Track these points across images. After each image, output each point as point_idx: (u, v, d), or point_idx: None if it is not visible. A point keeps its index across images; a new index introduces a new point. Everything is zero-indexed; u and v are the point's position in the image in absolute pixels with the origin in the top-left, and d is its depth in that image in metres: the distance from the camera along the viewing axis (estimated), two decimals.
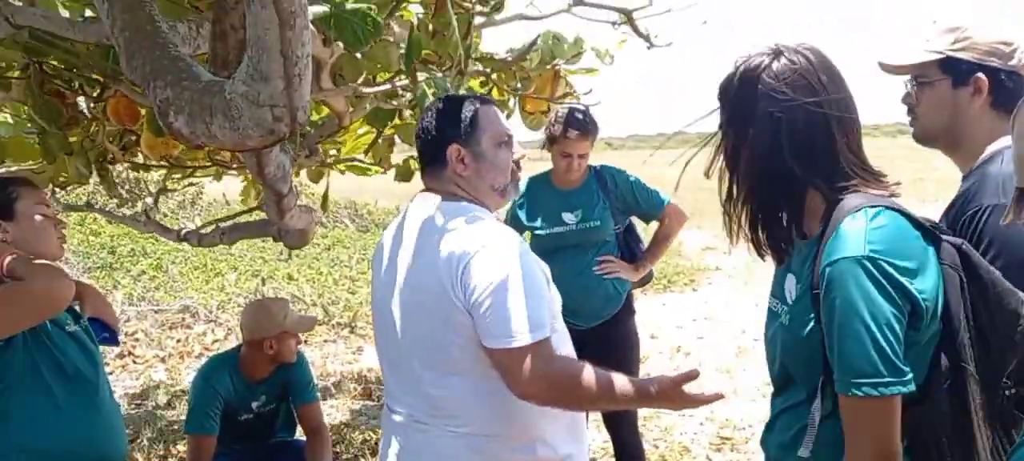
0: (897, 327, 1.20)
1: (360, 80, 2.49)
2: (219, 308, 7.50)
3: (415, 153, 2.06)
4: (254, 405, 3.20)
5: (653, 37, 2.87)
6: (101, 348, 2.19)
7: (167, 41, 1.24)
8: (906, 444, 1.25)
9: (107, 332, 2.32)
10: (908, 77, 1.76)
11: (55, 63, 2.65)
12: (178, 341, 6.63)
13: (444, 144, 1.73)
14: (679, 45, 3.67)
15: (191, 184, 4.17)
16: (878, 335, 1.20)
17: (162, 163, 3.44)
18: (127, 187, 8.68)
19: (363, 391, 5.34)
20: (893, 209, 1.29)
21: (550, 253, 2.72)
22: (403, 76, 2.78)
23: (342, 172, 4.09)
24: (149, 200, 4.50)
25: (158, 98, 1.11)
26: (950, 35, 1.68)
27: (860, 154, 1.36)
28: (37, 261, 1.95)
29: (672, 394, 1.57)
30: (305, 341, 6.63)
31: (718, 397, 1.58)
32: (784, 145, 1.31)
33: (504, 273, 1.56)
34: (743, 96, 1.36)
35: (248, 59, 1.04)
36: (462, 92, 2.33)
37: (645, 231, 3.42)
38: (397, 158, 3.62)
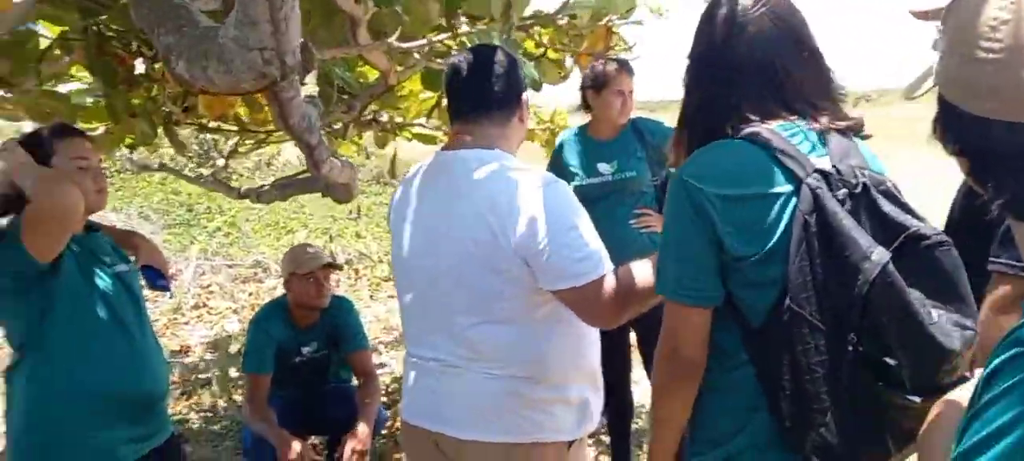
0: (692, 246, 1.30)
1: (396, 35, 2.54)
2: None
3: None
4: (305, 350, 3.36)
5: None
6: (171, 297, 2.31)
7: None
8: (757, 374, 1.30)
9: (161, 279, 2.46)
10: (939, 22, 1.70)
11: (114, 27, 2.80)
12: (250, 295, 6.93)
13: (516, 94, 1.77)
14: None
15: (264, 145, 4.34)
16: (674, 245, 1.33)
17: (230, 126, 3.59)
18: (204, 149, 9.07)
19: None
20: (758, 144, 1.28)
21: (586, 204, 2.74)
22: (443, 31, 2.84)
23: (408, 139, 4.19)
24: (220, 162, 4.69)
25: (162, 44, 1.20)
26: None
27: (803, 90, 1.35)
28: (43, 172, 1.98)
29: None
30: (370, 296, 6.85)
31: None
32: (734, 78, 1.34)
33: (561, 216, 1.62)
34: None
35: (238, 5, 1.11)
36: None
37: None
38: None
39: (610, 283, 1.62)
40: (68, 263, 2.02)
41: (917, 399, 1.21)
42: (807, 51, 1.38)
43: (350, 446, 3.04)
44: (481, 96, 1.76)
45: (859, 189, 1.24)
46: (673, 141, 1.48)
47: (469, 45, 2.23)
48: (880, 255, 1.17)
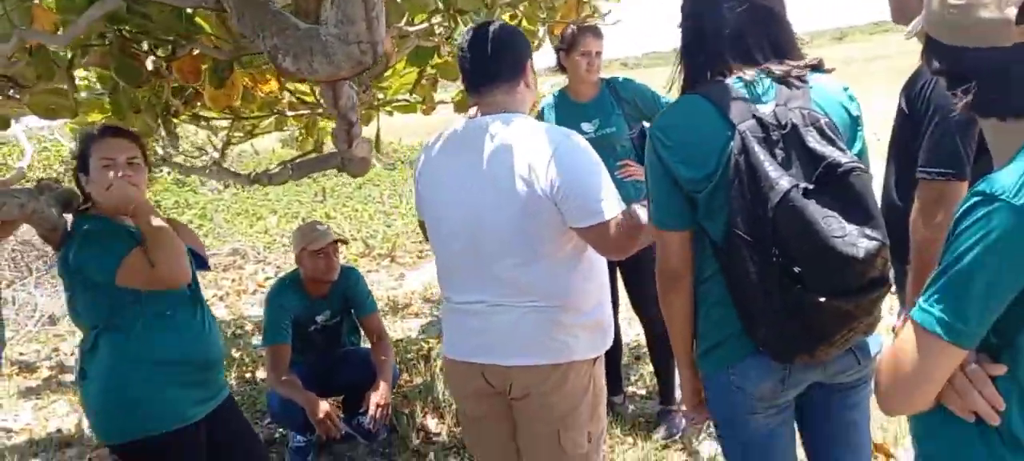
0: (661, 184, 1.68)
1: (403, 22, 2.80)
2: (265, 248, 7.98)
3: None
4: (319, 319, 3.63)
5: None
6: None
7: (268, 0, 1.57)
8: (725, 283, 1.66)
9: (199, 258, 2.70)
10: None
11: (129, 29, 2.98)
12: (233, 281, 7.11)
13: (523, 61, 2.04)
14: None
15: (252, 135, 4.51)
16: (652, 185, 1.72)
17: (224, 115, 3.78)
18: (195, 143, 9.09)
19: (411, 312, 5.78)
20: (703, 96, 1.64)
21: None
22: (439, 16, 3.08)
23: (390, 113, 4.42)
24: (214, 154, 4.82)
25: (267, 45, 1.46)
26: None
27: (764, 48, 1.67)
28: (161, 232, 2.24)
29: None
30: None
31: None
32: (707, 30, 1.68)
33: (584, 164, 1.92)
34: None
35: (336, 7, 1.38)
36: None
37: None
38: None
39: (623, 221, 1.93)
40: None
41: (823, 298, 1.50)
42: (774, 18, 1.70)
43: (374, 401, 3.34)
44: (487, 70, 2.03)
45: (788, 129, 1.55)
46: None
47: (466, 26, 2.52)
48: (783, 185, 1.49)
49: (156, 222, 2.27)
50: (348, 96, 2.08)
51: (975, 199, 1.09)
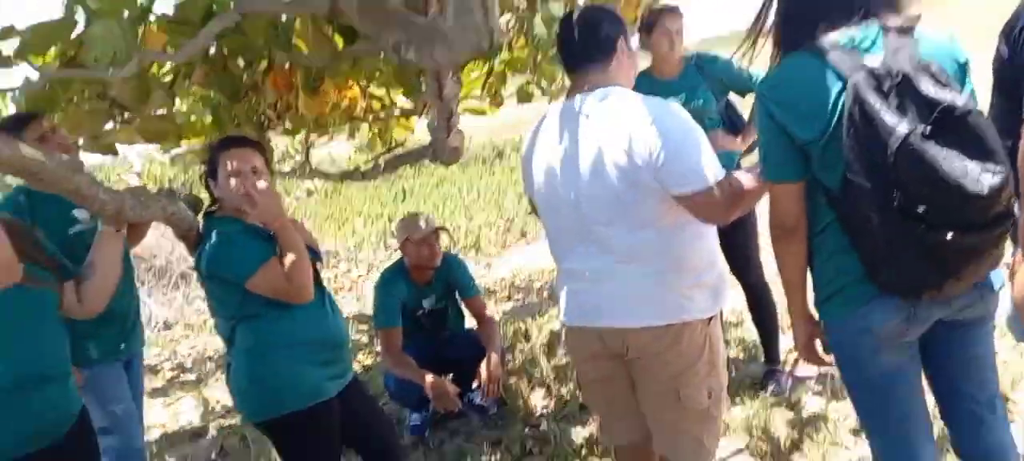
0: (774, 140, 1.78)
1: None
2: (355, 248, 8.28)
3: (527, 79, 2.43)
4: (425, 303, 3.82)
5: None
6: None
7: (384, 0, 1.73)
8: (842, 229, 1.74)
9: (313, 252, 2.89)
10: None
11: (229, 45, 3.17)
12: (328, 280, 7.41)
13: (614, 39, 2.12)
14: None
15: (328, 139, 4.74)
16: (764, 143, 1.81)
17: (312, 126, 3.98)
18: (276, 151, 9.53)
19: (503, 297, 5.95)
20: (810, 52, 1.71)
21: None
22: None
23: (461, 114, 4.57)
24: (300, 158, 5.06)
25: (391, 41, 1.61)
26: None
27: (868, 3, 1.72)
28: (300, 250, 2.39)
29: None
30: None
31: None
32: None
33: (681, 130, 1.98)
34: None
35: (453, 2, 1.52)
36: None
37: (742, 105, 3.78)
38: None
39: (725, 185, 1.98)
40: None
41: (950, 235, 1.55)
42: None
43: (486, 371, 3.50)
44: (578, 52, 2.13)
45: (900, 79, 1.60)
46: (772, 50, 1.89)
47: (542, 21, 2.61)
48: (902, 129, 1.54)
49: (296, 239, 2.41)
50: (451, 86, 2.22)
51: None
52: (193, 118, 3.93)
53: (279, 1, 2.24)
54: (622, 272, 2.10)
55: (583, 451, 3.25)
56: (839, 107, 1.65)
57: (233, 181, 2.43)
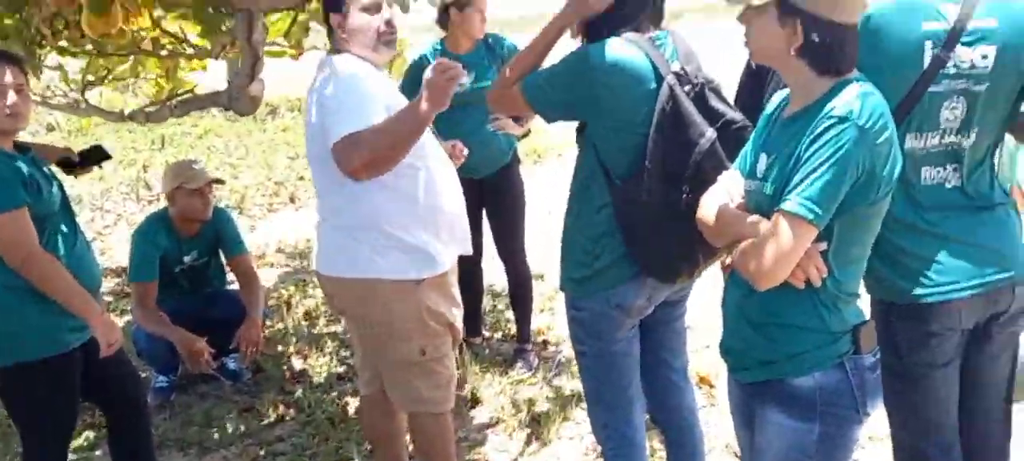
0: (566, 112, 2.01)
1: None
2: (102, 195, 7.60)
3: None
4: (186, 259, 3.64)
5: None
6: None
7: None
8: (614, 213, 1.94)
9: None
10: None
11: None
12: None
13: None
14: None
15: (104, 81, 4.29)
16: (560, 102, 2.00)
17: (87, 51, 3.63)
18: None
19: (266, 262, 5.78)
20: (632, 43, 1.88)
21: (451, 110, 3.19)
22: None
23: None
24: (74, 94, 4.55)
25: None
26: None
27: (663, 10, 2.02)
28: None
29: (433, 84, 2.04)
30: None
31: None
32: None
33: (332, 89, 2.14)
34: None
35: None
36: None
37: None
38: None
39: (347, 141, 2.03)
40: None
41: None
42: None
43: (246, 337, 3.41)
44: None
45: (698, 88, 1.89)
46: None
47: None
48: (710, 134, 1.84)
49: None
50: (261, 30, 2.17)
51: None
52: None
53: None
54: (324, 225, 2.31)
55: (336, 420, 3.29)
56: (650, 102, 1.86)
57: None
